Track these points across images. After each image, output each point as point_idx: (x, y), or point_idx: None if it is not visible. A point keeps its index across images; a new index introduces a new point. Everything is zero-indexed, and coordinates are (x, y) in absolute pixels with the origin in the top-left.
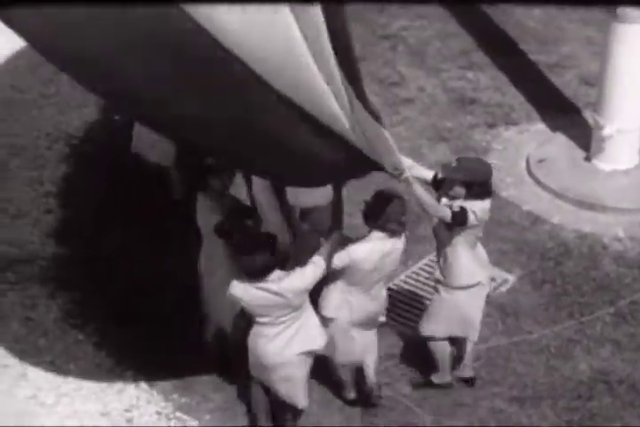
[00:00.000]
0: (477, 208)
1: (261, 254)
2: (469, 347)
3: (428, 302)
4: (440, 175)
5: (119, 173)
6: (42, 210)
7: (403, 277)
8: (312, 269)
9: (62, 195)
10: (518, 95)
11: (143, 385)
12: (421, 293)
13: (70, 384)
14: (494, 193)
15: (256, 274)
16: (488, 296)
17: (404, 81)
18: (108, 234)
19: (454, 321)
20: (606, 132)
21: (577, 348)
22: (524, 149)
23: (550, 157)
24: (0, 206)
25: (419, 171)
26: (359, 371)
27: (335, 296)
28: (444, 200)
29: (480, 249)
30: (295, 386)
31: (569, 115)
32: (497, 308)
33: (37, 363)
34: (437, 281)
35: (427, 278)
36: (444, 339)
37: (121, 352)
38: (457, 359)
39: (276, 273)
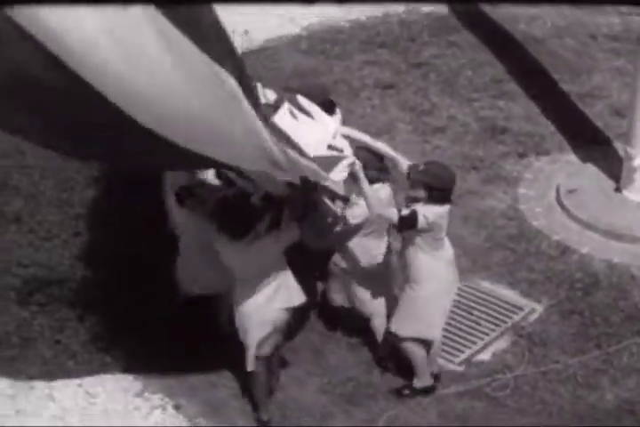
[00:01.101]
0: (431, 213)
1: (231, 220)
2: (435, 347)
3: (454, 333)
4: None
5: (147, 196)
6: (71, 232)
7: None
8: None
9: (91, 217)
10: (549, 125)
11: (170, 409)
12: (449, 320)
13: (97, 407)
14: (453, 202)
15: (230, 236)
16: (509, 323)
17: (435, 109)
18: (137, 256)
19: (416, 321)
20: (636, 162)
21: (604, 378)
22: (554, 179)
23: (580, 187)
24: (30, 228)
25: (401, 166)
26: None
27: (354, 247)
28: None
29: (447, 250)
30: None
31: (600, 145)
32: (525, 337)
33: (65, 385)
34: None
35: (455, 307)
36: (413, 340)
37: (148, 376)
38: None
39: (253, 234)
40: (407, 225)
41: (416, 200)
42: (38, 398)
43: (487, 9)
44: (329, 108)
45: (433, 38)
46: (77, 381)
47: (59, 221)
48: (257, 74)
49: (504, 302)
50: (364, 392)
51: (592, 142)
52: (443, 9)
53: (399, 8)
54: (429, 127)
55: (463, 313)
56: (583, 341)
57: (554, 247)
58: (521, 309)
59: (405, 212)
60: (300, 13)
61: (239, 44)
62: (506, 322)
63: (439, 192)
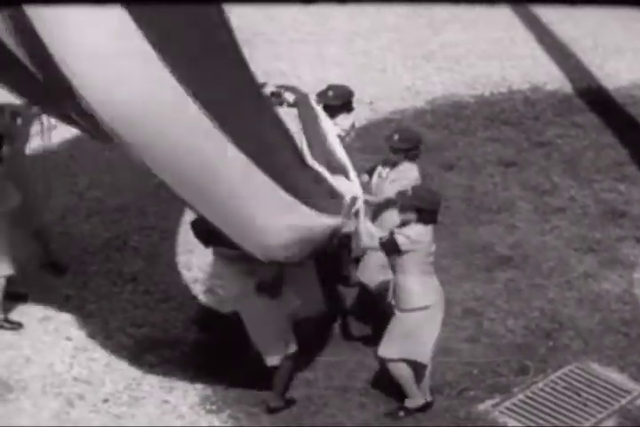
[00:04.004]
0: (412, 232)
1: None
2: (425, 371)
3: (561, 413)
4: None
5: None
6: (187, 295)
7: (540, 384)
8: None
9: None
10: None
11: None
12: (557, 401)
13: None
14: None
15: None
16: (617, 406)
17: (556, 190)
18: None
19: (405, 343)
20: None
21: None
22: None
23: None
24: (146, 289)
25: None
26: None
27: None
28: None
29: (434, 277)
30: None
31: None
32: (631, 420)
33: None
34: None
35: (564, 388)
36: (399, 361)
37: None
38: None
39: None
40: (391, 249)
41: (405, 224)
42: None
43: (611, 91)
44: (347, 108)
45: (557, 118)
46: None
47: (175, 283)
48: (379, 144)
49: (612, 385)
50: None
51: None
52: (567, 88)
53: (523, 85)
54: (549, 207)
55: (571, 394)
56: None
57: None
58: (629, 392)
59: (384, 237)
60: (426, 87)
61: (364, 113)
62: (613, 405)
63: (428, 213)
